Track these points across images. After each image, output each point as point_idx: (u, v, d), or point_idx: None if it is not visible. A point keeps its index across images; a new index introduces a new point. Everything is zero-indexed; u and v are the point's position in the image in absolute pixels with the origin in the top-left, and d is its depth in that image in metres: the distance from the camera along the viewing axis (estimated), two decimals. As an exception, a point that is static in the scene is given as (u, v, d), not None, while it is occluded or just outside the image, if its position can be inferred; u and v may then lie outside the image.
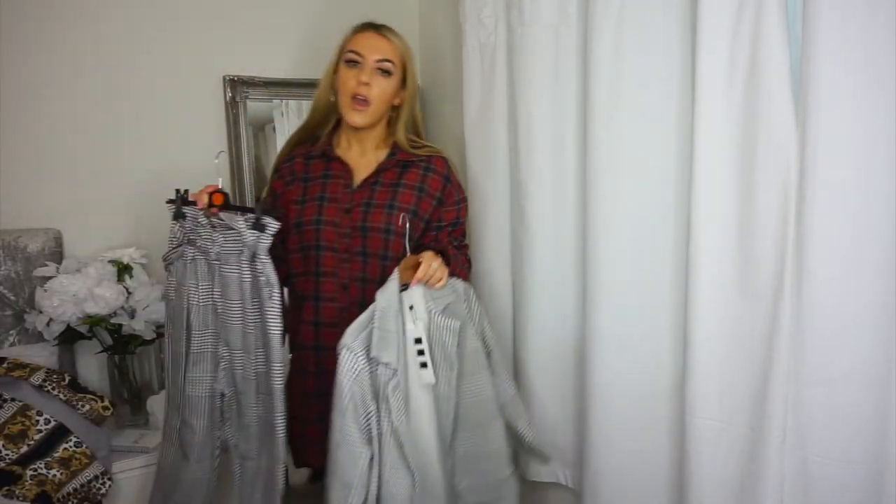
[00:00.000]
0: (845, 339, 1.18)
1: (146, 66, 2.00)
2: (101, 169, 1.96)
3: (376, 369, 1.30)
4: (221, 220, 1.43)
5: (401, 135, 1.61)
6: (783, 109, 1.23)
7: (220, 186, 1.46)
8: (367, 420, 1.30)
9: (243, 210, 1.43)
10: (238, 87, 2.10)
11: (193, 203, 1.48)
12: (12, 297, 1.78)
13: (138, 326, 1.79)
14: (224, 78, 2.08)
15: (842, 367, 1.19)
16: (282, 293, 1.45)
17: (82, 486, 1.47)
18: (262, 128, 2.24)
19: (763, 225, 1.28)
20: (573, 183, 1.75)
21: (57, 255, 1.84)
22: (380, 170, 1.58)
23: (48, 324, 1.72)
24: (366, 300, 1.41)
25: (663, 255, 1.53)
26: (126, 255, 1.85)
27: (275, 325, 1.39)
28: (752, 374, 1.32)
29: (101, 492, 1.50)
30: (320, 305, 1.54)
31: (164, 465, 1.59)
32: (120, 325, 1.78)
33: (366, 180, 1.58)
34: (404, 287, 1.37)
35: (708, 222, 1.36)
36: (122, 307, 1.77)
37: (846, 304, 1.17)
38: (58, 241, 1.86)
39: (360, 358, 1.29)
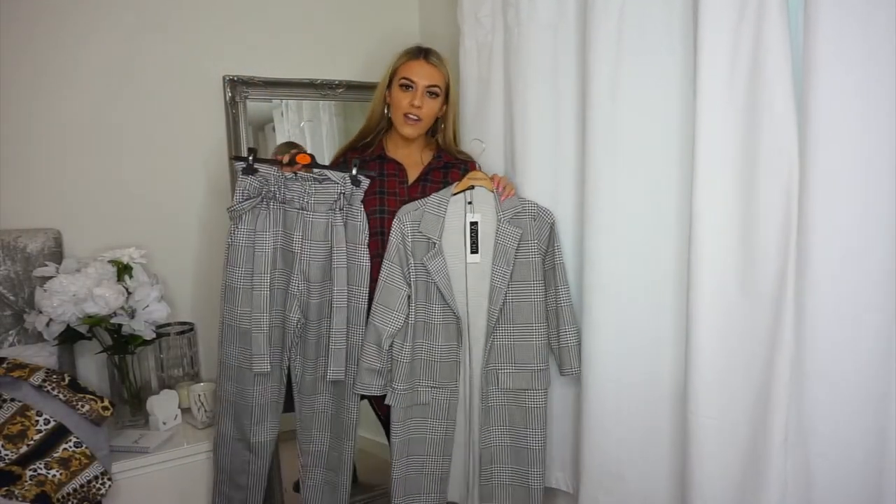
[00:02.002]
0: (847, 339, 1.18)
1: (146, 65, 2.00)
2: (100, 169, 1.97)
3: (421, 241, 1.74)
4: (316, 174, 1.72)
5: (449, 140, 1.90)
6: (785, 109, 1.23)
7: (305, 149, 1.80)
8: (407, 270, 1.74)
9: (334, 169, 1.75)
10: (238, 87, 2.10)
11: (268, 161, 1.75)
12: (12, 298, 1.78)
13: (138, 326, 1.79)
14: (224, 78, 2.08)
15: (843, 366, 1.19)
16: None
17: (82, 486, 1.47)
18: (262, 128, 2.24)
19: (765, 225, 1.28)
20: (571, 183, 1.75)
21: (57, 255, 1.84)
22: (429, 169, 1.86)
23: (48, 324, 1.72)
24: None
25: (664, 256, 1.53)
26: (126, 255, 1.85)
27: (365, 259, 1.74)
28: (754, 374, 1.32)
29: (101, 492, 1.50)
30: None
31: (224, 395, 1.79)
32: (120, 326, 1.78)
33: (418, 178, 1.85)
34: (470, 188, 1.76)
35: (710, 222, 1.36)
36: (122, 307, 1.77)
37: (848, 304, 1.17)
38: (57, 241, 1.86)
39: (407, 226, 1.74)
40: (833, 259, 1.18)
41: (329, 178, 1.72)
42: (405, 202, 1.80)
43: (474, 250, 1.75)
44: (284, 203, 1.74)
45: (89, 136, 1.95)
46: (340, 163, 1.86)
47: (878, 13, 1.09)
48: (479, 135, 1.96)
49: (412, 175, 1.85)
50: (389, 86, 1.84)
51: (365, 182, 1.75)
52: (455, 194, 1.76)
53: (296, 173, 1.73)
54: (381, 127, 1.89)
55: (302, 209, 1.74)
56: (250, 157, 1.73)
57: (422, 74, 1.78)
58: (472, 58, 1.97)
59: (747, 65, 1.27)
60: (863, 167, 1.14)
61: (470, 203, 1.75)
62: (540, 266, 1.75)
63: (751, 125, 1.28)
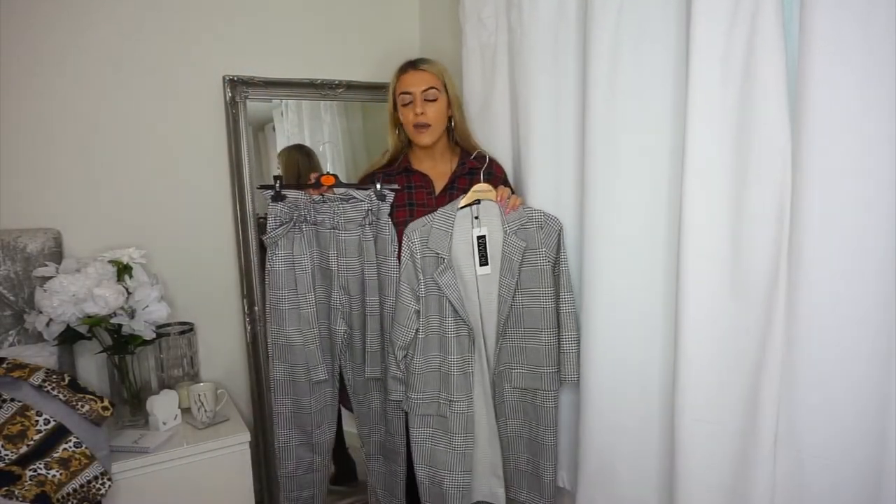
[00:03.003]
0: (838, 340, 1.17)
1: (146, 65, 2.01)
2: (100, 169, 1.97)
3: (428, 255, 1.77)
4: (342, 194, 1.79)
5: (465, 139, 1.92)
6: (778, 107, 1.22)
7: (326, 171, 1.86)
8: (418, 286, 1.78)
9: (358, 187, 1.82)
10: (238, 87, 2.10)
11: (295, 187, 1.82)
12: (12, 298, 1.78)
13: (138, 326, 1.79)
14: (224, 78, 2.08)
15: (834, 367, 1.18)
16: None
17: (82, 486, 1.47)
18: (262, 128, 2.25)
19: (757, 225, 1.27)
20: (572, 181, 1.75)
21: (56, 255, 1.84)
22: (454, 177, 1.89)
23: (48, 324, 1.72)
24: None
25: (656, 255, 1.53)
26: (126, 255, 1.85)
27: (395, 269, 1.80)
28: (744, 376, 1.31)
29: (101, 492, 1.50)
30: None
31: (281, 409, 1.91)
32: (120, 326, 1.78)
33: (444, 188, 1.89)
34: (476, 202, 1.78)
35: (700, 222, 1.35)
36: (122, 307, 1.77)
37: (839, 304, 1.16)
38: (57, 241, 1.86)
39: (415, 243, 1.77)
40: (825, 259, 1.17)
41: (354, 196, 1.79)
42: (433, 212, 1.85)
43: (483, 262, 1.79)
44: (316, 224, 1.83)
45: (89, 136, 1.95)
46: (366, 179, 1.93)
47: (877, 11, 1.08)
48: (483, 134, 1.96)
49: (439, 185, 1.90)
50: (396, 107, 1.90)
51: (390, 195, 1.81)
52: (461, 208, 1.78)
53: (323, 195, 1.80)
54: (404, 146, 1.95)
55: (334, 228, 1.82)
56: (277, 185, 1.79)
57: (414, 82, 1.83)
58: (476, 58, 1.97)
59: (741, 63, 1.27)
60: (858, 166, 1.12)
61: (476, 218, 1.78)
62: (550, 273, 1.76)
63: (744, 124, 1.27)
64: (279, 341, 1.86)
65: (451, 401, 1.78)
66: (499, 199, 1.78)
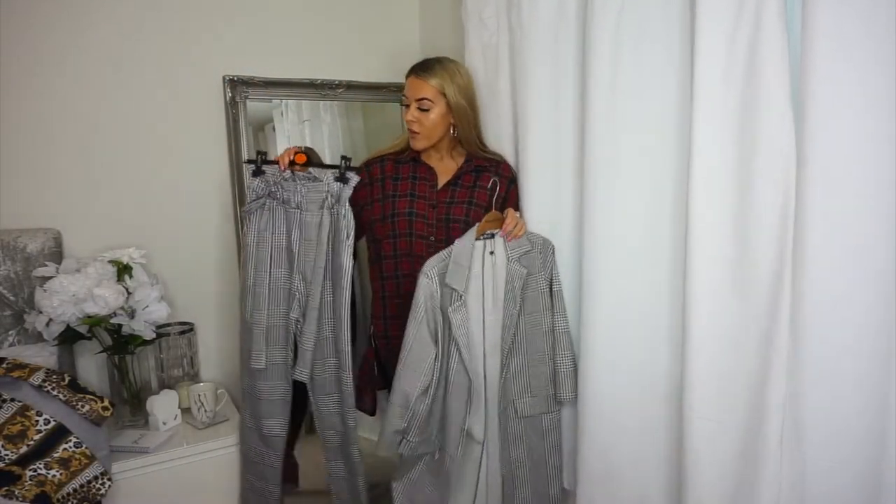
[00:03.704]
0: (843, 340, 1.17)
1: (146, 66, 2.00)
2: (100, 169, 1.97)
3: (446, 292, 1.69)
4: (309, 173, 1.75)
5: (471, 145, 1.90)
6: (781, 107, 1.22)
7: (301, 148, 1.80)
8: (436, 327, 1.70)
9: (327, 167, 1.78)
10: (238, 87, 2.10)
11: (273, 162, 1.78)
12: (12, 298, 1.78)
13: (138, 326, 1.79)
14: (224, 78, 2.08)
15: (843, 366, 1.18)
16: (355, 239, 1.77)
17: (82, 486, 1.47)
18: (262, 127, 2.24)
19: (761, 224, 1.27)
20: (572, 181, 1.75)
21: (56, 255, 1.84)
22: (459, 174, 1.88)
23: (48, 324, 1.72)
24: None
25: (661, 255, 1.53)
26: (126, 255, 1.85)
27: (346, 259, 1.73)
28: (750, 375, 1.31)
29: (101, 492, 1.50)
30: (413, 281, 1.78)
31: (244, 388, 1.84)
32: (120, 326, 1.78)
33: (448, 182, 1.88)
34: (489, 235, 1.75)
35: (705, 222, 1.35)
36: (122, 307, 1.76)
37: (845, 304, 1.17)
38: (57, 241, 1.86)
39: (435, 282, 1.69)
40: (830, 259, 1.17)
41: (316, 178, 1.76)
42: (434, 205, 1.84)
43: (496, 302, 1.75)
44: (285, 203, 1.78)
45: (89, 136, 1.95)
46: (375, 162, 1.91)
47: (879, 8, 1.08)
48: (487, 132, 1.96)
49: (443, 180, 1.89)
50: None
51: (353, 179, 1.76)
52: (477, 239, 1.75)
53: (293, 172, 1.77)
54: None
55: (297, 208, 1.77)
56: (259, 160, 1.78)
57: (410, 90, 1.84)
58: (478, 58, 1.97)
59: (744, 64, 1.27)
60: (862, 166, 1.13)
61: (492, 253, 1.76)
62: (548, 295, 1.78)
63: (747, 124, 1.28)
64: (245, 318, 1.81)
65: (449, 448, 1.72)
66: (503, 230, 1.76)
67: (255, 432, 1.83)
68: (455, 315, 1.67)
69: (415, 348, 1.69)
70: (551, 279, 1.79)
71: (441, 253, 1.74)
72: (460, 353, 1.69)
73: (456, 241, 1.74)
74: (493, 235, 1.76)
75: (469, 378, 1.71)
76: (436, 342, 1.69)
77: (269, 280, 1.77)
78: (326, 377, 1.79)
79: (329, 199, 1.75)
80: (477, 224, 1.75)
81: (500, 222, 1.77)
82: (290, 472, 2.09)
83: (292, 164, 1.77)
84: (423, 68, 1.85)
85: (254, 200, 1.78)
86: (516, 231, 1.76)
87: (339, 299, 1.75)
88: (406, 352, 1.69)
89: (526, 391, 1.78)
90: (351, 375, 1.76)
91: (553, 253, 1.79)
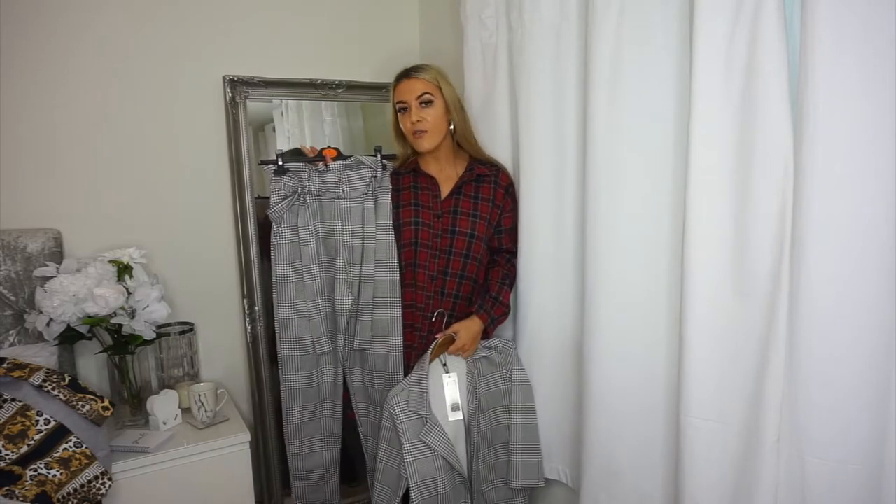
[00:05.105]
0: (842, 340, 1.17)
1: (146, 66, 2.01)
2: (100, 169, 1.97)
3: (411, 418, 1.79)
4: (347, 164, 1.86)
5: (467, 142, 1.93)
6: (780, 108, 1.22)
7: (328, 145, 1.91)
8: (399, 449, 1.79)
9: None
10: (238, 87, 2.10)
11: (292, 160, 1.86)
12: (12, 298, 1.78)
13: (138, 326, 1.79)
14: (224, 78, 2.08)
15: (841, 366, 1.18)
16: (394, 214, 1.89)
17: (82, 486, 1.47)
18: (262, 128, 2.24)
19: (759, 224, 1.27)
20: (573, 181, 1.75)
21: (57, 255, 1.84)
22: (461, 183, 1.91)
23: (48, 324, 1.72)
24: (445, 290, 1.89)
25: (660, 255, 1.53)
26: (126, 255, 1.85)
27: (391, 233, 1.86)
28: (748, 374, 1.32)
29: (101, 492, 1.50)
30: (416, 292, 1.89)
31: (287, 386, 1.91)
32: (120, 326, 1.78)
33: (451, 192, 1.90)
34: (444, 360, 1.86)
35: (704, 221, 1.35)
36: (122, 307, 1.77)
37: (843, 304, 1.17)
38: (57, 241, 1.86)
39: (396, 410, 1.79)
40: (829, 259, 1.17)
41: (363, 163, 1.85)
42: (438, 215, 1.87)
43: (455, 408, 1.85)
44: (320, 195, 1.87)
45: (89, 136, 1.95)
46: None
47: (878, 8, 1.08)
48: (484, 134, 1.96)
49: (445, 189, 1.91)
50: (397, 118, 1.92)
51: (390, 165, 1.90)
52: (431, 361, 1.84)
53: (327, 164, 1.86)
54: (410, 154, 1.96)
55: (338, 198, 1.86)
56: (279, 160, 1.83)
57: (408, 91, 1.85)
58: (477, 58, 1.97)
59: (743, 64, 1.27)
60: (860, 166, 1.13)
61: (445, 365, 1.86)
62: (509, 392, 1.90)
63: (746, 124, 1.28)
64: (284, 316, 1.87)
65: None
66: (456, 349, 1.84)
67: (312, 423, 1.93)
68: (428, 438, 1.77)
69: (384, 466, 1.84)
70: (512, 375, 1.90)
71: (400, 384, 1.83)
72: (450, 464, 1.80)
73: (412, 372, 1.83)
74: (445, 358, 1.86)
75: (463, 478, 1.85)
76: (401, 461, 1.78)
77: (319, 271, 1.87)
78: (377, 351, 1.90)
79: (373, 182, 1.86)
80: (429, 351, 1.82)
81: (450, 343, 1.84)
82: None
83: (321, 157, 1.85)
84: (413, 69, 1.87)
85: (284, 199, 1.83)
86: (466, 349, 1.85)
87: (392, 277, 1.86)
88: (380, 472, 1.84)
89: (494, 479, 1.90)
90: (400, 341, 1.88)
91: (513, 349, 1.92)
